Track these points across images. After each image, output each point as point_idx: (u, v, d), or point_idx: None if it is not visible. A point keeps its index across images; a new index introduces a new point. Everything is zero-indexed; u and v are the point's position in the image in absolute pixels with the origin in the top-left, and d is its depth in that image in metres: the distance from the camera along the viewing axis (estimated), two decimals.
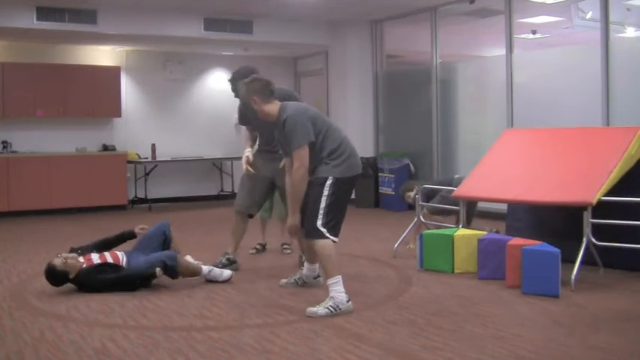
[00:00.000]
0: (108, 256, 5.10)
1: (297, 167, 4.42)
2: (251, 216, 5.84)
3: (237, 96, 5.67)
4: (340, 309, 4.30)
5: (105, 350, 3.70)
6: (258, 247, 6.59)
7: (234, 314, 4.43)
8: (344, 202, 4.51)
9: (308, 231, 4.44)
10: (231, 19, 10.15)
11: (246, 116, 5.71)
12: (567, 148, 5.78)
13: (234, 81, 5.63)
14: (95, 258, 5.07)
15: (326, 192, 4.36)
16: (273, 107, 4.55)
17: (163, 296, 4.88)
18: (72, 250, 5.16)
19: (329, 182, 4.38)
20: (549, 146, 5.99)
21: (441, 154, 9.93)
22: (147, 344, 3.80)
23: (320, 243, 4.37)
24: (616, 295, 4.79)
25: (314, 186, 4.44)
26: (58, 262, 4.92)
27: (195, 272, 5.22)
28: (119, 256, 5.13)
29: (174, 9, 9.62)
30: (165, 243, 5.42)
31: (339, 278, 4.36)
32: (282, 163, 5.08)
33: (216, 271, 5.30)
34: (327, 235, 4.35)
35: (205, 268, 5.27)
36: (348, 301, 4.35)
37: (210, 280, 5.24)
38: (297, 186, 4.47)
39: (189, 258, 5.39)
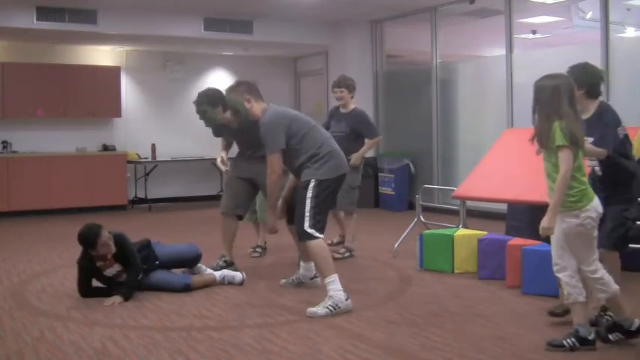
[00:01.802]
0: (122, 278, 4.91)
1: (269, 173, 4.60)
2: (240, 217, 5.83)
3: (201, 118, 5.59)
4: (339, 307, 4.31)
5: (105, 350, 3.71)
6: (258, 249, 6.58)
7: (234, 314, 4.44)
8: (330, 201, 4.60)
9: (299, 234, 4.51)
10: (231, 19, 10.15)
11: (220, 130, 5.80)
12: None
13: (200, 104, 5.54)
14: (112, 271, 4.90)
15: (309, 194, 4.42)
16: (259, 107, 4.72)
17: (163, 296, 4.88)
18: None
19: (312, 185, 4.44)
20: None
21: (441, 154, 9.93)
22: (147, 344, 3.80)
23: (312, 244, 4.40)
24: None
25: (299, 189, 4.54)
26: (105, 235, 4.76)
27: (208, 282, 5.20)
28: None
29: (174, 9, 9.62)
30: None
31: (335, 277, 4.37)
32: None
33: (228, 276, 5.28)
34: (317, 235, 4.40)
35: (218, 275, 5.25)
36: (347, 300, 4.37)
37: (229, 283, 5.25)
38: (270, 190, 4.68)
39: (202, 268, 5.38)
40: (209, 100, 5.55)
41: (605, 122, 4.04)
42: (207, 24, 10.04)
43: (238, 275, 5.28)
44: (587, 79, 4.03)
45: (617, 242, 4.06)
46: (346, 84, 6.48)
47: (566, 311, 3.90)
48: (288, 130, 4.54)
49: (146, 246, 5.09)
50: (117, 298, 4.73)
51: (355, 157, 6.31)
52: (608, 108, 4.16)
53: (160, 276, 5.04)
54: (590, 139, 3.93)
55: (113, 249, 4.83)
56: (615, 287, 3.58)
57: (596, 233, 3.59)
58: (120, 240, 4.88)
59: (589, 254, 3.56)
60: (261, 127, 4.58)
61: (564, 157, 3.48)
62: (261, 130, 4.58)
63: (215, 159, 5.91)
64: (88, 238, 4.77)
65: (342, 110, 6.51)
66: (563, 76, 3.68)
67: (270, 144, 4.55)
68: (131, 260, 4.87)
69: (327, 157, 4.52)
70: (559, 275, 3.60)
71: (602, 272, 3.58)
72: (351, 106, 6.51)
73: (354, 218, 6.47)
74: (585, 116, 3.98)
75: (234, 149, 6.04)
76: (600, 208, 3.60)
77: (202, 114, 5.58)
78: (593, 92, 4.07)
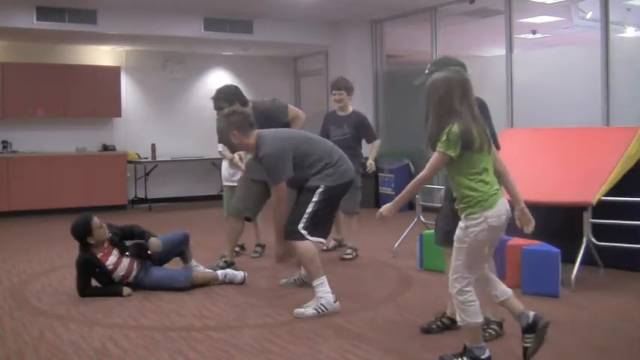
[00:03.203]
0: (123, 268, 4.96)
1: (277, 203, 4.47)
2: (248, 219, 5.84)
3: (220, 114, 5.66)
4: (327, 309, 4.31)
5: (105, 350, 3.71)
6: (258, 249, 6.58)
7: (234, 314, 4.44)
8: (332, 208, 4.57)
9: (288, 232, 4.43)
10: (231, 19, 10.15)
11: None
12: (567, 148, 5.78)
13: (217, 100, 5.58)
14: (112, 259, 4.95)
15: (315, 198, 4.39)
16: (251, 140, 4.52)
17: (163, 296, 4.88)
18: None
19: (320, 190, 4.41)
20: (549, 146, 5.99)
21: None
22: (147, 344, 3.80)
23: (300, 246, 4.37)
24: (616, 295, 4.79)
25: (304, 192, 4.46)
26: (97, 219, 4.96)
27: (211, 281, 5.22)
28: (134, 270, 5.01)
29: (174, 9, 9.62)
30: (180, 255, 5.40)
31: (323, 279, 4.36)
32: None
33: (230, 274, 5.30)
34: (308, 237, 4.37)
35: (220, 274, 5.27)
36: (335, 302, 4.36)
37: (229, 282, 5.27)
38: (279, 219, 4.49)
39: (200, 268, 5.41)
40: (226, 97, 5.55)
41: (487, 117, 3.81)
42: (207, 24, 10.04)
43: (240, 274, 5.30)
44: None
45: None
46: (345, 86, 6.39)
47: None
48: (297, 153, 4.45)
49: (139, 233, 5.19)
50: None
51: (371, 165, 6.50)
52: (484, 103, 3.92)
53: (159, 273, 5.08)
54: None
55: (108, 232, 4.97)
56: (478, 319, 3.22)
57: (481, 251, 3.21)
58: (109, 224, 5.08)
59: (460, 269, 3.19)
60: (265, 158, 4.42)
61: (433, 163, 3.18)
62: (264, 161, 4.43)
63: (214, 159, 5.92)
64: (82, 225, 4.91)
65: (341, 113, 6.41)
66: (454, 70, 3.29)
67: (279, 174, 4.41)
68: (127, 229, 5.14)
69: (338, 163, 4.51)
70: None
71: (468, 297, 3.19)
72: (350, 109, 6.44)
73: (357, 219, 6.46)
74: None
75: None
76: (495, 222, 3.16)
77: (219, 110, 5.58)
78: None
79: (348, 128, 6.33)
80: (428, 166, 3.21)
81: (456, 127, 3.09)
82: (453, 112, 3.13)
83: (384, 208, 3.48)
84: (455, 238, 3.23)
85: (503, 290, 3.33)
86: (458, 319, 3.28)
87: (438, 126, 3.16)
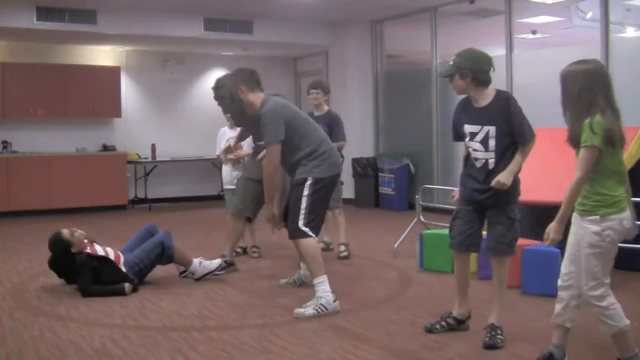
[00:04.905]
0: (110, 252, 5.06)
1: (266, 164, 4.49)
2: (249, 219, 5.85)
3: (220, 104, 5.62)
4: (327, 309, 4.30)
5: (105, 350, 3.71)
6: (255, 249, 6.55)
7: (234, 314, 4.44)
8: (325, 200, 4.55)
9: (291, 232, 4.43)
10: (231, 19, 10.16)
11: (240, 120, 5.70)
12: (567, 148, 5.76)
13: (218, 89, 5.55)
14: (99, 249, 5.05)
15: (306, 192, 4.37)
16: (257, 98, 4.58)
17: (163, 296, 4.88)
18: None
19: (308, 182, 4.39)
20: (549, 146, 5.98)
21: (441, 154, 9.93)
22: (147, 344, 3.80)
23: (303, 243, 4.37)
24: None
25: (294, 187, 4.47)
26: (65, 230, 5.01)
27: (187, 260, 5.29)
28: (120, 257, 5.10)
29: (174, 9, 9.62)
30: (167, 256, 5.26)
31: (324, 277, 4.36)
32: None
33: (205, 262, 5.35)
34: (310, 233, 4.37)
35: (196, 261, 5.32)
36: (334, 301, 4.36)
37: (205, 275, 5.30)
38: (267, 181, 4.53)
39: (206, 263, 5.42)
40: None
41: (515, 111, 3.84)
42: (207, 24, 10.04)
43: (216, 261, 5.38)
44: (472, 66, 3.81)
45: (510, 247, 3.73)
46: (322, 86, 6.56)
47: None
48: (289, 126, 4.45)
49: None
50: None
51: None
52: (511, 96, 3.80)
53: (136, 252, 5.15)
54: (492, 128, 3.76)
55: (84, 239, 5.03)
56: (625, 322, 3.01)
57: (614, 253, 3.03)
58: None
59: (598, 275, 2.99)
60: (262, 116, 4.45)
61: (584, 160, 2.88)
62: (261, 119, 4.45)
63: (214, 159, 5.96)
64: (58, 240, 5.01)
65: (317, 113, 6.47)
66: (593, 61, 3.02)
67: (271, 134, 4.41)
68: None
69: (325, 155, 4.48)
70: (560, 293, 3.16)
71: (610, 301, 3.02)
72: (326, 108, 6.53)
73: (341, 214, 6.47)
74: (481, 104, 3.81)
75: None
76: (628, 224, 2.97)
77: (220, 100, 5.54)
78: (481, 79, 3.81)
79: (323, 127, 6.32)
80: (580, 165, 2.90)
81: (599, 117, 2.87)
82: (594, 107, 2.91)
83: (553, 231, 2.99)
84: (586, 245, 2.98)
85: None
86: (604, 329, 3.02)
87: (578, 124, 2.95)
